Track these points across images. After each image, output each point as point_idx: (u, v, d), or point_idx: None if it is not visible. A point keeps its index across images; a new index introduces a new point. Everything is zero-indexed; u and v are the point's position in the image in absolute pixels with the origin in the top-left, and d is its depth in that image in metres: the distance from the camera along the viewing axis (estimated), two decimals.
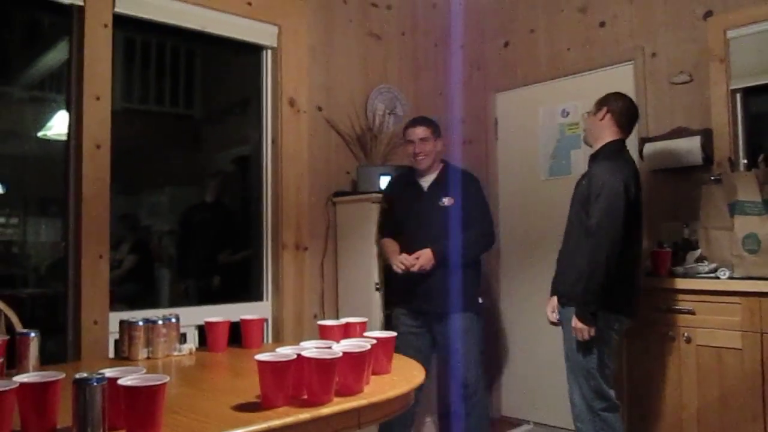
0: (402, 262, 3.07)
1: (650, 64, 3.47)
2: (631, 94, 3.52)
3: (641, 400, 2.95)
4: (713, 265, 2.83)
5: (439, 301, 3.06)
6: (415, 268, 3.04)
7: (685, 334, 2.78)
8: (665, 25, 3.44)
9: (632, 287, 2.62)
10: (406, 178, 3.31)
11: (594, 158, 2.73)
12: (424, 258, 3.04)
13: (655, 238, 3.27)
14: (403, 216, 3.20)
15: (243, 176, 3.76)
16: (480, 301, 3.22)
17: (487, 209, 3.25)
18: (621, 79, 3.60)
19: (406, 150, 3.25)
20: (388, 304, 3.36)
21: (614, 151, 2.68)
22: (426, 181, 3.20)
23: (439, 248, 3.06)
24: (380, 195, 3.43)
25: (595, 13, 3.75)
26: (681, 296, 2.82)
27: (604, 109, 2.74)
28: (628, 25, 3.59)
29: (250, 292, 3.51)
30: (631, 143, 3.46)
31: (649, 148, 3.33)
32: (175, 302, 3.45)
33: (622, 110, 2.73)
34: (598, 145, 2.74)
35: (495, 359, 4.12)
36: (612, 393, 2.57)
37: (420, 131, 3.16)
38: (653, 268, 3.00)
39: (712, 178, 3.05)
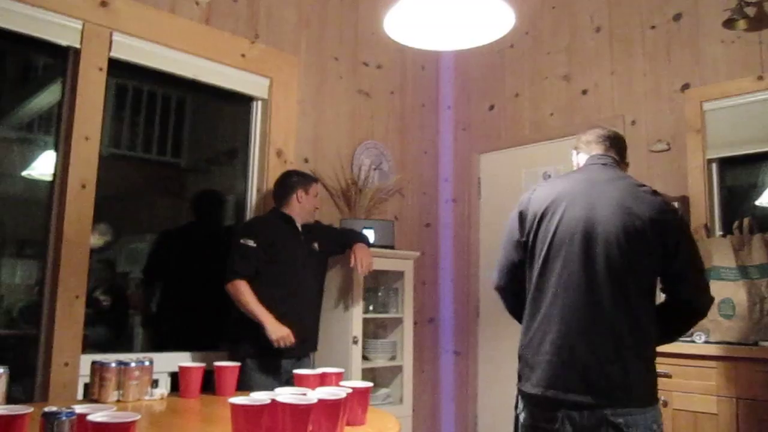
0: (287, 340, 2.85)
1: (630, 131, 3.58)
2: None
3: None
4: (690, 330, 2.86)
5: (312, 342, 3.19)
6: (367, 268, 3.21)
7: (662, 398, 2.77)
8: (645, 96, 3.56)
9: (529, 345, 1.97)
10: (280, 220, 3.16)
11: None
12: (366, 255, 3.25)
13: None
14: (282, 257, 3.04)
15: None
16: None
17: None
18: None
19: (309, 201, 3.19)
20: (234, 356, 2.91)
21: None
22: (299, 226, 3.19)
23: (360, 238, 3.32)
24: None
25: (578, 81, 3.88)
26: (658, 359, 2.81)
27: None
28: (609, 94, 3.72)
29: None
30: None
31: None
32: (147, 347, 3.37)
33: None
34: None
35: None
36: None
37: (321, 190, 3.32)
38: None
39: None
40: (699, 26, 3.39)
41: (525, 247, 2.05)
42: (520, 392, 1.99)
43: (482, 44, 2.37)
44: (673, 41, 3.49)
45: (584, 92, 3.85)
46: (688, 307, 1.99)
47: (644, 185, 2.03)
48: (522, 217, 2.08)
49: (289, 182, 3.19)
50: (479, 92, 4.45)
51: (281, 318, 2.91)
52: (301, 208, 3.16)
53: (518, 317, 2.14)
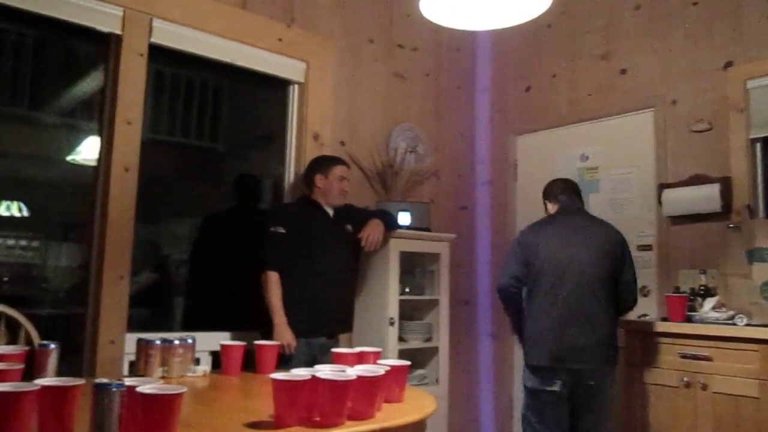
0: (287, 348, 2.89)
1: (670, 111, 3.51)
2: (651, 140, 3.58)
3: None
4: (731, 312, 2.81)
5: (344, 324, 3.26)
6: (374, 245, 3.29)
7: (701, 381, 2.74)
8: (686, 74, 3.48)
9: (534, 333, 2.87)
10: (308, 205, 3.24)
11: None
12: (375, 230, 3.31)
13: (672, 284, 3.26)
14: (309, 240, 3.11)
15: None
16: None
17: None
18: (641, 125, 3.64)
19: (329, 184, 3.20)
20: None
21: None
22: (330, 211, 3.24)
23: (384, 216, 3.41)
24: (398, 232, 3.47)
25: (617, 60, 3.81)
26: (697, 342, 2.79)
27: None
28: (648, 73, 3.65)
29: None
30: (649, 189, 3.52)
31: (667, 194, 3.34)
32: (188, 327, 3.45)
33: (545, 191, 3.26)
34: None
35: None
36: None
37: (348, 172, 3.31)
38: (668, 314, 2.98)
39: (731, 225, 3.05)
40: (742, 1, 3.30)
41: (526, 263, 2.91)
42: (529, 366, 2.87)
43: (518, 24, 2.34)
44: (715, 17, 3.40)
45: (623, 72, 3.78)
46: (628, 305, 2.93)
47: (598, 218, 3.06)
48: (521, 245, 2.98)
49: (309, 168, 3.28)
50: (515, 73, 4.41)
51: (309, 300, 3.01)
52: (323, 192, 3.21)
53: (511, 315, 3.08)
